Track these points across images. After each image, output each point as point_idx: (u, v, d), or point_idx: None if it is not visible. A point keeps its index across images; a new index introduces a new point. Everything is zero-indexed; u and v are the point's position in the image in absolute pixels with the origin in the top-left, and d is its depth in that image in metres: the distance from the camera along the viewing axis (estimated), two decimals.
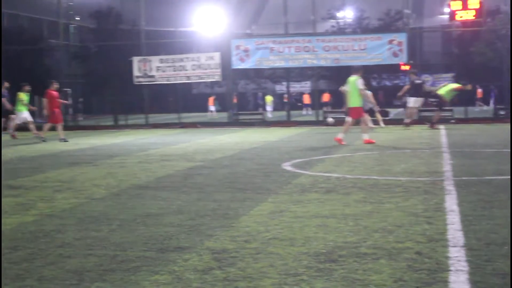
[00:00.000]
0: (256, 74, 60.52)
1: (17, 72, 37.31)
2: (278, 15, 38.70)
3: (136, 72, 34.25)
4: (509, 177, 10.62)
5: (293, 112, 38.63)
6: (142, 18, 35.81)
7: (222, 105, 62.16)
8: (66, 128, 29.75)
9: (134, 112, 42.35)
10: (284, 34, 34.76)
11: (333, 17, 49.14)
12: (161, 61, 34.24)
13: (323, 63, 33.39)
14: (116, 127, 34.55)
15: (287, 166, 13.45)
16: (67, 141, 23.17)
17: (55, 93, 24.18)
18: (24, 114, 26.10)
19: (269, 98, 55.15)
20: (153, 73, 34.12)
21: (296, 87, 62.21)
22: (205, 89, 66.38)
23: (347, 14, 48.34)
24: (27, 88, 26.68)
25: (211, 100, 54.90)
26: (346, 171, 12.39)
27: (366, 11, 47.88)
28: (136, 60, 34.42)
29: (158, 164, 14.48)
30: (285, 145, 19.34)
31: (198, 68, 33.78)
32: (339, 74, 38.91)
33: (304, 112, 52.82)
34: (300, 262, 5.73)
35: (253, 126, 31.96)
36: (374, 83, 47.00)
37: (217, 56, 33.72)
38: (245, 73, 55.12)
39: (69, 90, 40.05)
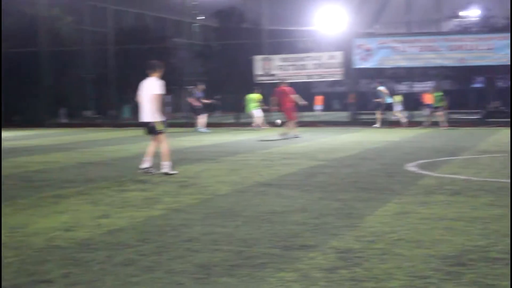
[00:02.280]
0: (377, 73, 59.89)
1: (141, 70, 38.40)
2: (401, 13, 38.20)
3: (257, 71, 34.55)
4: None
5: (416, 113, 37.96)
6: (264, 17, 36.06)
7: (343, 105, 61.86)
8: (190, 125, 30.43)
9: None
10: (407, 33, 34.27)
11: (458, 16, 48.04)
12: (283, 60, 34.42)
13: (447, 63, 32.68)
14: (237, 124, 34.94)
15: (410, 166, 13.23)
16: (286, 138, 22.92)
17: (287, 89, 24.05)
18: (257, 111, 30.46)
19: (398, 98, 54.35)
20: (274, 71, 34.32)
21: (418, 87, 61.13)
22: (325, 88, 66.19)
23: (473, 13, 47.12)
24: (259, 90, 30.77)
25: (318, 99, 54.61)
26: (473, 173, 12.07)
27: (493, 10, 46.51)
28: (258, 58, 34.72)
29: (280, 162, 14.55)
30: (407, 145, 19.05)
31: (320, 67, 33.76)
32: (464, 74, 38.02)
33: (425, 112, 51.86)
34: (427, 265, 5.61)
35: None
36: (501, 84, 45.62)
37: (339, 55, 33.60)
38: (366, 73, 54.59)
39: (192, 87, 40.80)
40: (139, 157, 13.88)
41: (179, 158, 15.92)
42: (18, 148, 20.08)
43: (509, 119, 27.85)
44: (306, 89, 59.75)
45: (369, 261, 5.75)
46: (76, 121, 38.45)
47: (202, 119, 30.01)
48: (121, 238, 6.82)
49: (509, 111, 21.39)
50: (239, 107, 38.30)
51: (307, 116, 37.34)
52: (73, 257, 6.03)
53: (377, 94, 31.45)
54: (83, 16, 41.70)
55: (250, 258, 5.92)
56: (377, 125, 30.84)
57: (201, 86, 30.51)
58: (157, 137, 12.77)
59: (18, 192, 10.34)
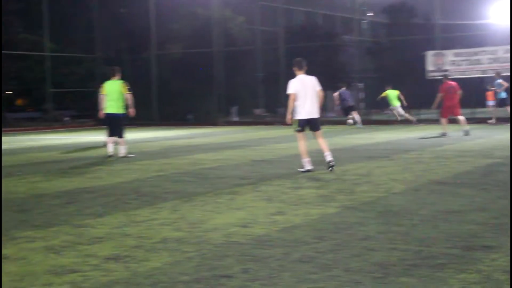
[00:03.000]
0: None
1: (311, 68, 38.65)
2: None
3: (429, 67, 33.83)
4: None
5: None
6: (437, 11, 35.24)
7: None
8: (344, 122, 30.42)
9: (426, 107, 41.86)
10: None
11: None
12: (456, 54, 33.50)
13: None
14: (407, 122, 34.33)
15: None
16: (468, 134, 22.02)
17: (454, 85, 23.11)
18: (398, 108, 32.01)
19: None
20: (447, 67, 33.46)
21: None
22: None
23: None
24: (392, 86, 32.17)
25: (490, 95, 52.50)
26: None
27: None
28: (430, 54, 33.99)
29: (455, 160, 14.17)
30: None
31: (494, 61, 32.59)
32: None
33: None
34: None
35: None
36: None
37: None
38: None
39: (361, 84, 40.64)
40: (312, 154, 13.92)
41: (350, 155, 15.88)
42: (193, 146, 20.73)
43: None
44: (479, 85, 57.97)
45: None
46: (246, 119, 39.18)
47: (356, 115, 30.87)
48: (297, 235, 6.87)
49: None
50: (414, 104, 37.66)
51: (479, 112, 36.28)
52: (251, 253, 6.14)
53: (497, 86, 29.92)
54: (254, 16, 42.40)
55: (429, 258, 5.80)
56: (492, 120, 29.59)
57: (344, 88, 30.69)
58: (316, 133, 13.05)
59: (195, 189, 10.67)
